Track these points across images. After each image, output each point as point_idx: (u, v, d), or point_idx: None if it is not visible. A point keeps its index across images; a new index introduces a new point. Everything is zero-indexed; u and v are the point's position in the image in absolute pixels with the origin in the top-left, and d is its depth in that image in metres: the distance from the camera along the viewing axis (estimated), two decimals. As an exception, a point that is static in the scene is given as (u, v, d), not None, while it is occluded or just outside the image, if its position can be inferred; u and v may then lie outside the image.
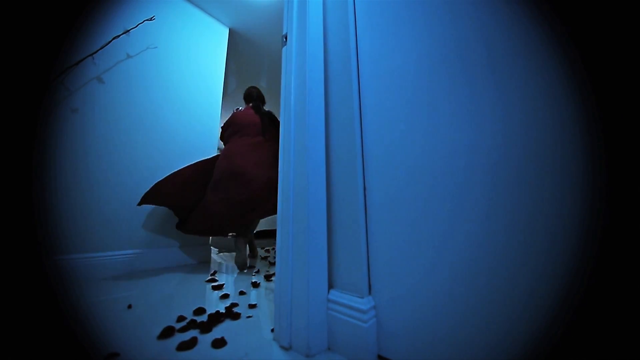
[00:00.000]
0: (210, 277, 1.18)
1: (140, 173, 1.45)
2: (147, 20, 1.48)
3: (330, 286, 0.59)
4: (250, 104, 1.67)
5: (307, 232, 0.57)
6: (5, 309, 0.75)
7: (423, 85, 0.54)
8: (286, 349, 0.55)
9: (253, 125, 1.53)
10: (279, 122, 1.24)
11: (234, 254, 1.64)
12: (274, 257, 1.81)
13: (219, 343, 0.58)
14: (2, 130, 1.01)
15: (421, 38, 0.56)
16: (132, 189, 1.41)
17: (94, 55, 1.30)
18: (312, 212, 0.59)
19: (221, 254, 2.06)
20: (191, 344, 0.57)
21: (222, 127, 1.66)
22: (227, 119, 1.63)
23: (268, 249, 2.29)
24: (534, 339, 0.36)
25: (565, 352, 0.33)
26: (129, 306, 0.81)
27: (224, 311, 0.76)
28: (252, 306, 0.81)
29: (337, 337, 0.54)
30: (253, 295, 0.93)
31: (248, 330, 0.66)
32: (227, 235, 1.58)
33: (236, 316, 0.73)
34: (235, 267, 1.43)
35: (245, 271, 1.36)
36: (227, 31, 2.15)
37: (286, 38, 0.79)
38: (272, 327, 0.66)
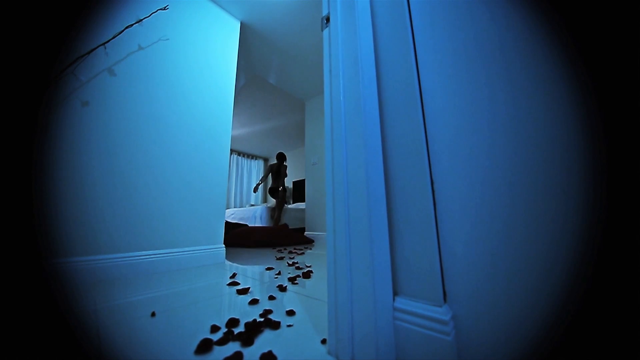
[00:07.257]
0: (231, 280, 1.11)
1: (149, 172, 1.38)
2: (160, 9, 1.41)
3: (395, 292, 0.52)
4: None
5: (369, 231, 0.50)
6: (7, 317, 0.67)
7: (482, 76, 0.50)
8: (348, 365, 0.48)
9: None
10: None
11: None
12: (290, 259, 1.74)
13: (268, 359, 0.50)
14: (5, 125, 0.93)
15: (465, 29, 0.50)
16: (139, 189, 1.33)
17: (105, 44, 1.22)
18: (374, 207, 0.52)
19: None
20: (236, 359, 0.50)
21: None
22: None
23: (281, 249, 2.22)
24: None
25: None
26: (153, 314, 0.73)
27: (260, 319, 0.68)
28: (289, 313, 0.73)
29: (408, 351, 0.47)
30: (285, 300, 0.86)
31: (294, 341, 0.58)
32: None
33: (276, 325, 0.65)
34: (253, 270, 1.40)
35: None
36: (238, 25, 2.08)
37: (327, 20, 0.72)
38: (321, 338, 0.59)
